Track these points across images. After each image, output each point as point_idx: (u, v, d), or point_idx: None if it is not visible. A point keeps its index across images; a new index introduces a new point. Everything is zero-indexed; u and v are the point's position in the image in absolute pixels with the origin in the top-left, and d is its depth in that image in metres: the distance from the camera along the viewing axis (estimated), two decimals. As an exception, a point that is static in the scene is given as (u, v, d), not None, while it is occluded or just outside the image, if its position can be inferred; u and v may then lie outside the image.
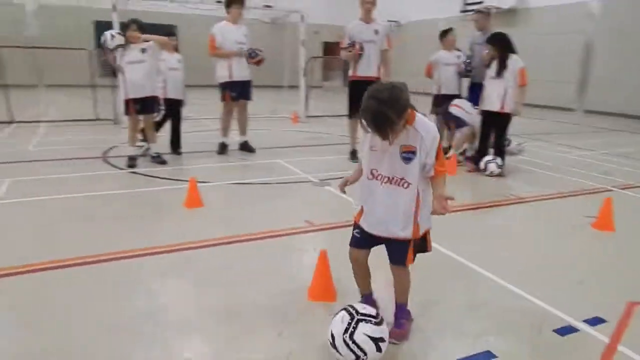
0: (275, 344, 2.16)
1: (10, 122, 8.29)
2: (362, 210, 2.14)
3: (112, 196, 4.41)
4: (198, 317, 2.40)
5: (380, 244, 2.15)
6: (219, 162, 5.87)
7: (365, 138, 2.07)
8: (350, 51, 5.60)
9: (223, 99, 6.16)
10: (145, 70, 5.29)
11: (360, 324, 1.91)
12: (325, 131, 8.47)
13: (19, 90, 12.75)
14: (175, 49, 5.95)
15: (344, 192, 2.29)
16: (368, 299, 2.33)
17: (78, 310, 2.46)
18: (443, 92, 6.22)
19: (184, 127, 6.36)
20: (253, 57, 5.94)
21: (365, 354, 1.88)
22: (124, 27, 5.37)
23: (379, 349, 1.91)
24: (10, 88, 9.21)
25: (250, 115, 6.53)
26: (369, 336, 1.89)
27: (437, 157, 1.99)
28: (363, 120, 1.88)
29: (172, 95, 5.86)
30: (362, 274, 2.29)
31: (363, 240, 2.17)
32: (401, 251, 2.11)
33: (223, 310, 2.46)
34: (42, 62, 12.98)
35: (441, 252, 3.17)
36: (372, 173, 2.06)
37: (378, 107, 1.82)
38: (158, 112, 5.75)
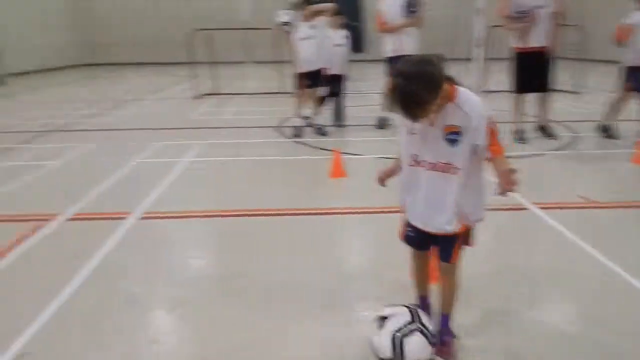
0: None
1: (217, 94, 9.83)
2: (405, 203, 1.93)
3: (276, 161, 4.99)
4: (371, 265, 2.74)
5: (436, 240, 1.91)
6: (379, 136, 6.00)
7: (403, 120, 1.80)
8: (526, 22, 5.05)
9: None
10: (315, 45, 5.72)
11: (416, 334, 1.79)
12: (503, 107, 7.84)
13: (230, 66, 14.94)
14: (342, 26, 6.22)
15: (384, 185, 2.06)
16: (423, 301, 2.14)
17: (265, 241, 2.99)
18: (640, 63, 5.14)
19: (355, 101, 6.67)
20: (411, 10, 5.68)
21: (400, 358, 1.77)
22: (297, 5, 5.85)
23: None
24: (220, 65, 10.90)
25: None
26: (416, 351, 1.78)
27: (492, 137, 1.73)
28: (390, 102, 1.63)
29: (335, 70, 6.18)
30: (420, 275, 2.11)
31: (418, 240, 1.96)
32: (447, 247, 1.88)
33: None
34: (252, 41, 14.96)
35: (599, 261, 2.77)
36: (414, 159, 1.83)
37: (406, 85, 1.57)
38: (324, 85, 6.15)
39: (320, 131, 6.03)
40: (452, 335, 1.99)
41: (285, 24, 5.80)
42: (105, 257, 2.86)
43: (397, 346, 1.77)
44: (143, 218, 3.46)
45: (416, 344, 1.78)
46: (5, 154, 5.34)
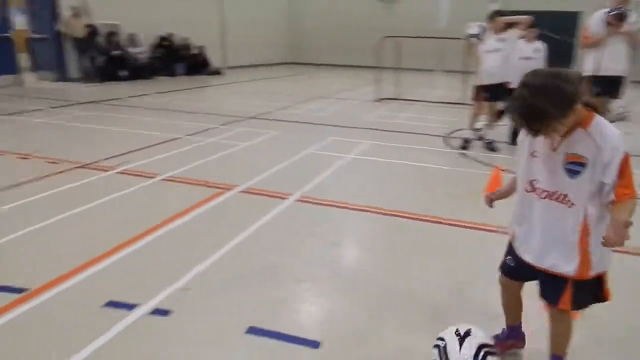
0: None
1: (398, 99, 10.07)
2: (515, 230, 1.81)
3: (434, 169, 4.98)
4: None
5: (535, 277, 1.76)
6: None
7: (525, 141, 1.70)
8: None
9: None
10: (500, 58, 5.47)
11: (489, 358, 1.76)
12: None
13: (419, 73, 15.06)
14: (535, 38, 5.81)
15: (491, 205, 1.96)
16: (514, 330, 2.02)
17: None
18: None
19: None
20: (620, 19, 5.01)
21: None
22: (489, 17, 5.66)
23: None
24: (409, 72, 11.12)
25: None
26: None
27: (620, 177, 1.51)
28: (513, 114, 1.57)
29: (516, 85, 5.79)
30: (512, 305, 1.98)
31: (516, 271, 1.83)
32: (556, 287, 1.68)
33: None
34: (444, 50, 14.83)
35: None
36: (531, 184, 1.69)
37: (530, 96, 1.48)
38: (504, 100, 5.83)
39: (490, 146, 5.75)
40: None
41: (474, 35, 5.69)
42: (257, 229, 3.31)
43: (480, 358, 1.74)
44: (299, 200, 3.87)
45: None
46: (209, 133, 6.45)
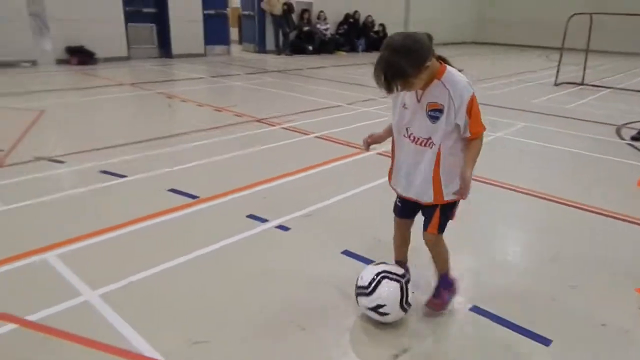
0: None
1: (581, 84, 9.11)
2: (391, 169, 2.07)
3: (589, 157, 4.67)
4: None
5: (417, 210, 2.06)
6: None
7: (396, 95, 1.92)
8: None
9: None
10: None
11: (358, 298, 2.03)
12: None
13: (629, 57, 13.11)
14: None
15: (368, 149, 2.14)
16: (400, 265, 2.22)
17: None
18: None
19: None
20: None
21: (377, 318, 2.00)
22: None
23: (382, 314, 1.98)
24: (613, 55, 9.86)
25: None
26: (366, 307, 2.00)
27: (470, 116, 1.78)
28: (375, 73, 1.70)
29: None
30: (399, 242, 2.26)
31: (403, 209, 2.12)
32: (428, 216, 2.00)
33: None
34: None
35: None
36: (406, 131, 1.93)
37: (389, 56, 1.67)
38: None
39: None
40: (447, 287, 2.13)
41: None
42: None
43: (375, 281, 1.98)
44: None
45: (391, 290, 1.96)
46: (368, 103, 6.97)
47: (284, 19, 13.28)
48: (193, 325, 2.00)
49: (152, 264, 2.44)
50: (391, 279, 1.99)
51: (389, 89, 1.71)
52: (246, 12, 14.14)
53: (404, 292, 1.97)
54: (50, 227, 2.85)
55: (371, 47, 14.92)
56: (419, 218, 2.08)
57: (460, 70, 1.86)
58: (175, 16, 11.37)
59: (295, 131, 5.22)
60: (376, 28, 15.48)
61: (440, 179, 1.90)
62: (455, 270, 2.20)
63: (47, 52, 9.71)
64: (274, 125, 5.43)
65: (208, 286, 2.31)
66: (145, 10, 11.13)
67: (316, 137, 5.05)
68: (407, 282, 2.02)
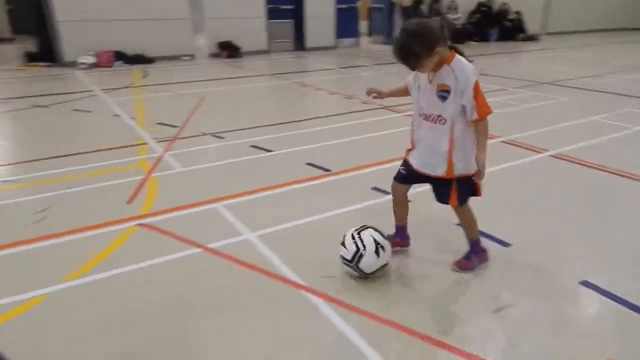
0: None
1: None
2: (412, 146, 2.31)
3: None
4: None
5: (424, 181, 2.29)
6: None
7: (413, 78, 2.25)
8: None
9: None
10: None
11: (370, 230, 2.31)
12: None
13: None
14: None
15: (369, 96, 2.53)
16: (400, 230, 2.55)
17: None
18: None
19: None
20: None
21: (364, 247, 2.24)
22: None
23: (377, 251, 2.24)
24: None
25: None
26: (373, 238, 2.27)
27: (475, 98, 2.02)
28: (393, 52, 2.02)
29: None
30: (401, 206, 2.50)
31: (406, 177, 2.35)
32: (443, 190, 2.24)
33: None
34: None
35: None
36: (420, 110, 2.20)
37: (405, 39, 1.98)
38: None
39: None
40: (477, 253, 2.41)
41: None
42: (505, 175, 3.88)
43: (357, 238, 2.28)
44: (554, 156, 4.17)
45: (372, 235, 2.29)
46: (493, 93, 6.92)
47: (413, 10, 13.39)
48: (326, 265, 2.48)
49: (293, 218, 2.99)
50: (360, 231, 2.32)
51: (410, 67, 2.05)
52: (376, 5, 14.53)
53: (383, 266, 2.31)
54: (217, 184, 3.58)
55: (504, 36, 14.33)
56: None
57: (470, 61, 2.09)
58: (310, 12, 12.22)
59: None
60: (511, 16, 14.79)
61: (453, 156, 2.14)
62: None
63: (202, 48, 11.18)
64: (399, 113, 5.77)
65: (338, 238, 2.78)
66: (284, 7, 12.14)
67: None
68: (375, 229, 2.33)
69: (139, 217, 3.02)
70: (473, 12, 14.61)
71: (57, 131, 5.23)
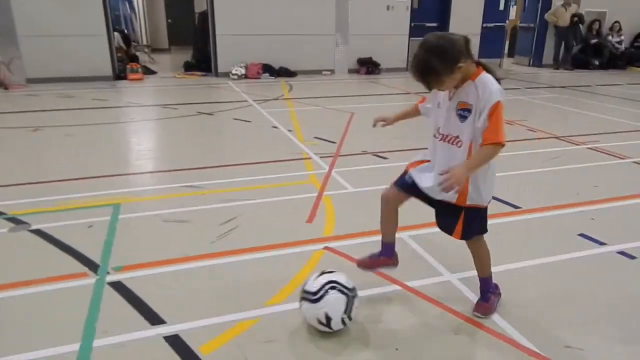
0: None
1: None
2: (421, 162, 2.05)
3: None
4: None
5: (428, 202, 2.05)
6: None
7: (433, 95, 2.02)
8: None
9: None
10: None
11: (302, 302, 1.99)
12: None
13: None
14: None
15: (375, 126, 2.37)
16: (388, 248, 2.26)
17: None
18: None
19: None
20: None
21: (318, 325, 1.96)
22: None
23: (327, 325, 1.93)
24: None
25: None
26: (310, 314, 1.96)
27: (489, 122, 1.77)
28: (410, 69, 1.84)
29: None
30: (389, 218, 2.19)
31: (409, 186, 2.06)
32: (449, 219, 2.00)
33: None
34: None
35: None
36: (437, 130, 1.98)
37: (424, 55, 1.77)
38: None
39: None
40: (494, 291, 2.16)
41: None
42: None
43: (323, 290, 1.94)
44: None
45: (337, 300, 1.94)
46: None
47: (570, 31, 12.25)
48: (565, 329, 2.07)
49: (509, 259, 2.61)
50: (340, 290, 1.95)
51: (428, 87, 1.83)
52: (524, 24, 13.57)
53: (348, 308, 1.95)
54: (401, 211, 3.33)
55: (677, 62, 12.51)
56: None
57: (499, 80, 1.85)
58: (456, 30, 11.73)
59: (605, 152, 4.80)
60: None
61: (468, 181, 1.88)
62: None
63: (342, 63, 11.28)
64: (577, 144, 5.10)
65: (579, 293, 2.36)
66: (429, 24, 11.81)
67: (634, 162, 4.54)
68: (354, 297, 1.98)
69: (324, 240, 2.89)
70: (638, 35, 12.96)
71: (224, 139, 5.46)
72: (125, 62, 10.12)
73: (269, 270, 2.56)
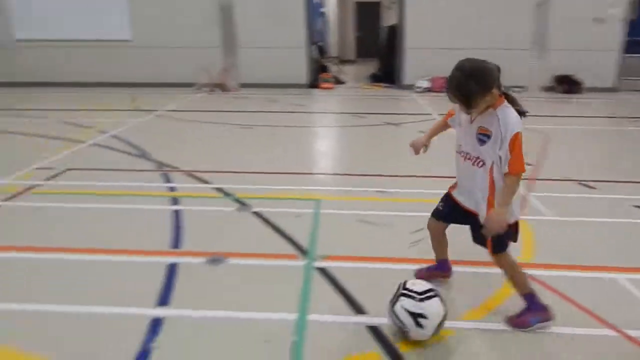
0: None
1: None
2: (455, 185, 2.25)
3: None
4: None
5: (463, 222, 2.21)
6: None
7: (457, 114, 2.16)
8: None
9: None
10: None
11: (401, 298, 1.99)
12: None
13: None
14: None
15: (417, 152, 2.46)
16: (442, 264, 2.49)
17: None
18: None
19: None
20: None
21: (404, 324, 1.97)
22: None
23: (418, 325, 1.94)
24: None
25: None
26: (406, 310, 1.96)
27: (511, 151, 1.90)
28: (447, 91, 1.95)
29: None
30: (438, 242, 2.43)
31: (445, 215, 2.30)
32: (480, 234, 2.07)
33: None
34: None
35: None
36: (459, 147, 2.15)
37: (462, 78, 1.89)
38: None
39: None
40: (532, 308, 2.12)
41: None
42: None
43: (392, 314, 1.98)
44: None
45: (403, 306, 1.96)
46: None
47: None
48: None
49: None
50: (443, 301, 2.00)
51: (467, 107, 1.95)
52: None
53: (443, 321, 1.98)
54: (611, 248, 3.00)
55: None
56: None
57: (523, 113, 1.99)
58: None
59: None
60: None
61: (494, 202, 2.01)
62: None
63: (535, 80, 10.46)
64: None
65: None
66: (647, 40, 10.27)
67: None
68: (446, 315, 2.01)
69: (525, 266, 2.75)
70: None
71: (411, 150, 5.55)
72: (318, 72, 11.03)
73: (468, 285, 2.55)
